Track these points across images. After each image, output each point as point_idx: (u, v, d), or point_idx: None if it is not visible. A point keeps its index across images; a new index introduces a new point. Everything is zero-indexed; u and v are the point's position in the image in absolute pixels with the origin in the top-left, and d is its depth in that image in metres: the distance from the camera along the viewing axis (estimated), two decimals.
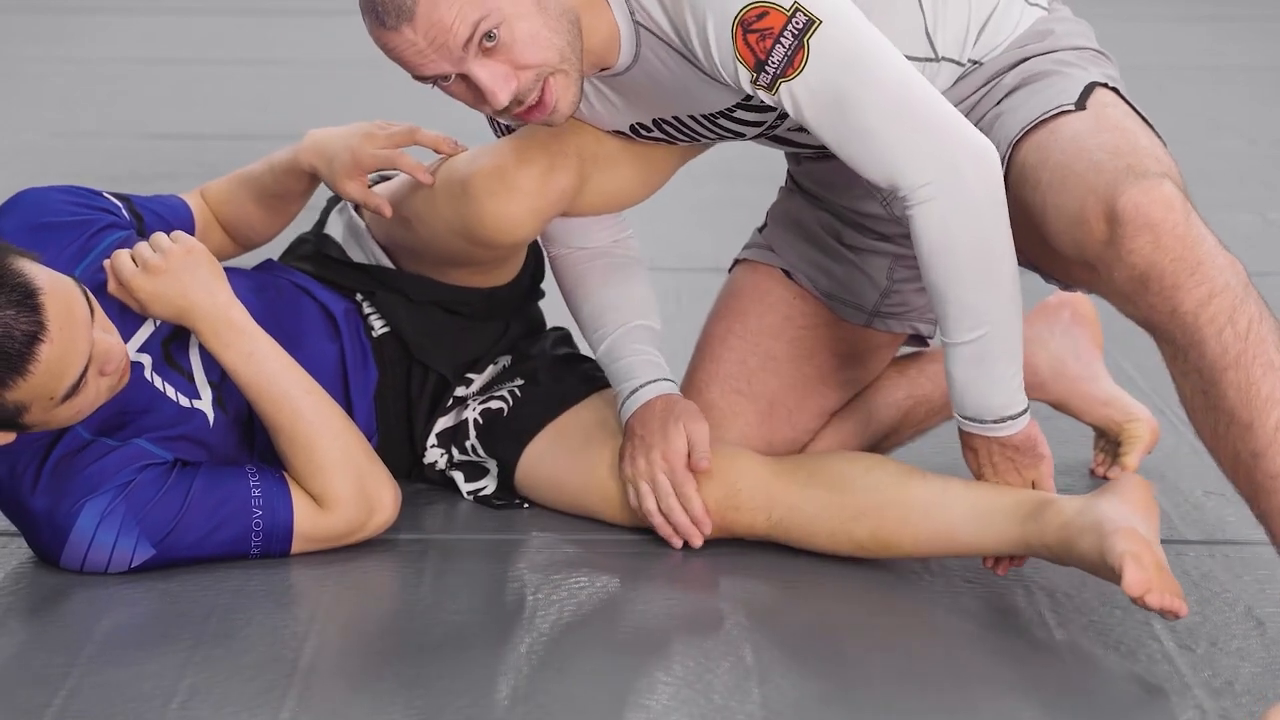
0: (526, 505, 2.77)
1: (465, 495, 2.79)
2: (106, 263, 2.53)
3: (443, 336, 2.81)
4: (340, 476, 2.55)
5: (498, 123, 2.68)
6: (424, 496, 2.80)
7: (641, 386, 2.63)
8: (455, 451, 2.80)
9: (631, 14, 2.39)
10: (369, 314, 2.80)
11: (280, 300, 2.73)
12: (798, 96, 2.34)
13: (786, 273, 2.79)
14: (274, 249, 2.90)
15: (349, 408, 2.71)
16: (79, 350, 2.34)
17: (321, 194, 2.83)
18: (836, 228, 2.78)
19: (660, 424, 2.59)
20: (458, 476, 2.80)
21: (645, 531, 2.64)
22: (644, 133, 2.58)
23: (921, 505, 2.51)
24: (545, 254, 2.79)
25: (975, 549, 2.49)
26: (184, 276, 2.52)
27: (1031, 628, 2.39)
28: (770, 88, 2.35)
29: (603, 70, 2.45)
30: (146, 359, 2.56)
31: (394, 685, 2.22)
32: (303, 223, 2.89)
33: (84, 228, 2.60)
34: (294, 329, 2.68)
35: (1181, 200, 2.21)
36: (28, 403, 2.34)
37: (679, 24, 2.36)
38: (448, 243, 2.65)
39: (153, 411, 2.54)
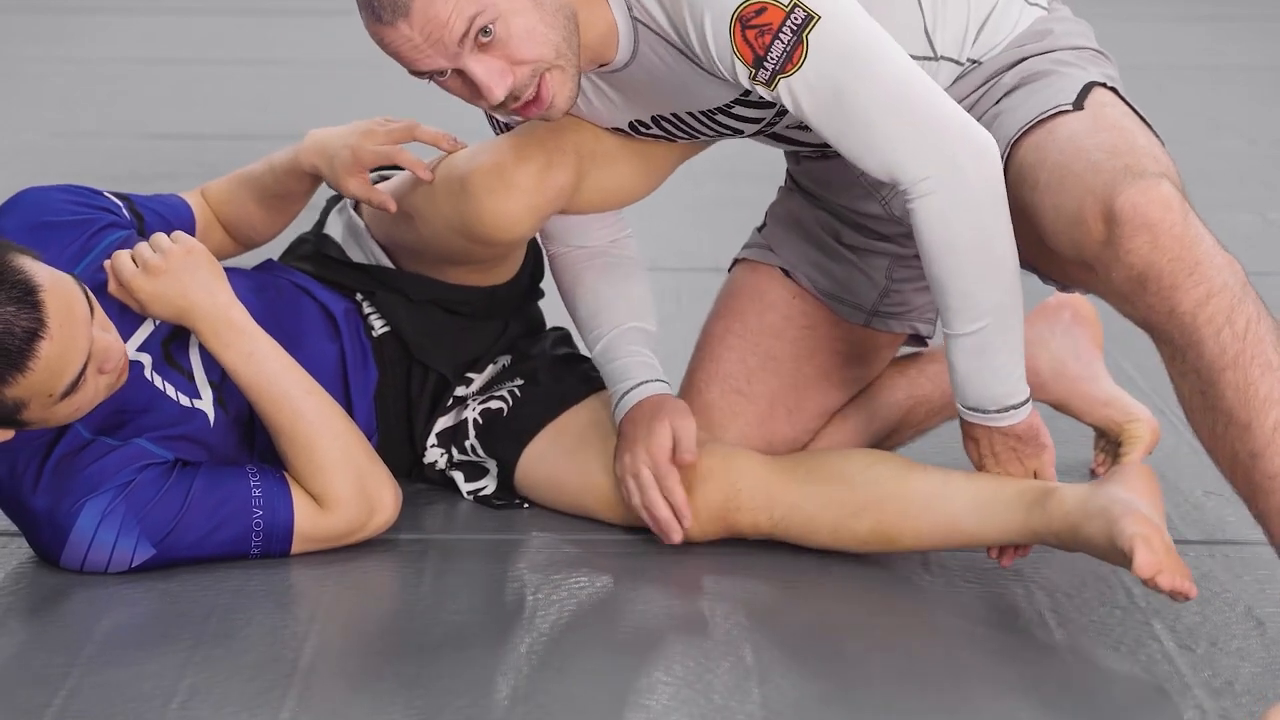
0: (526, 505, 2.77)
1: (465, 495, 2.80)
2: (107, 263, 2.53)
3: (443, 336, 2.81)
4: (341, 476, 2.55)
5: (496, 119, 2.68)
6: (424, 496, 2.80)
7: (634, 388, 2.63)
8: (455, 451, 2.80)
9: (629, 10, 2.39)
10: (369, 314, 2.80)
11: (280, 300, 2.73)
12: (796, 92, 2.34)
13: (786, 272, 2.79)
14: (274, 249, 2.90)
15: (349, 408, 2.71)
16: (78, 348, 2.34)
17: (322, 194, 2.83)
18: (836, 227, 2.78)
19: (647, 421, 2.59)
20: (458, 476, 2.80)
21: (645, 531, 2.64)
22: (643, 130, 2.58)
23: (923, 498, 2.51)
24: (544, 252, 2.79)
25: (979, 539, 2.50)
26: (184, 277, 2.52)
27: (1031, 628, 2.39)
28: (769, 83, 2.35)
29: (601, 66, 2.45)
30: (146, 358, 2.56)
31: (394, 685, 2.22)
32: (303, 223, 2.89)
33: (84, 227, 2.60)
34: (294, 329, 2.68)
35: (1179, 200, 2.21)
36: (27, 399, 2.34)
37: (677, 20, 2.36)
38: (447, 240, 2.66)
39: (153, 411, 2.55)
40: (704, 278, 3.51)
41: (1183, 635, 2.36)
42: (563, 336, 2.91)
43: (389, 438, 2.77)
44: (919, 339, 2.85)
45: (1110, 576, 2.52)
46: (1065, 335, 2.91)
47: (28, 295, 2.29)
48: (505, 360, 2.85)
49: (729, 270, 2.88)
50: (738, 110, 2.48)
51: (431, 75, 2.34)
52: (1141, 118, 2.44)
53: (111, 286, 2.53)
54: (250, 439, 2.64)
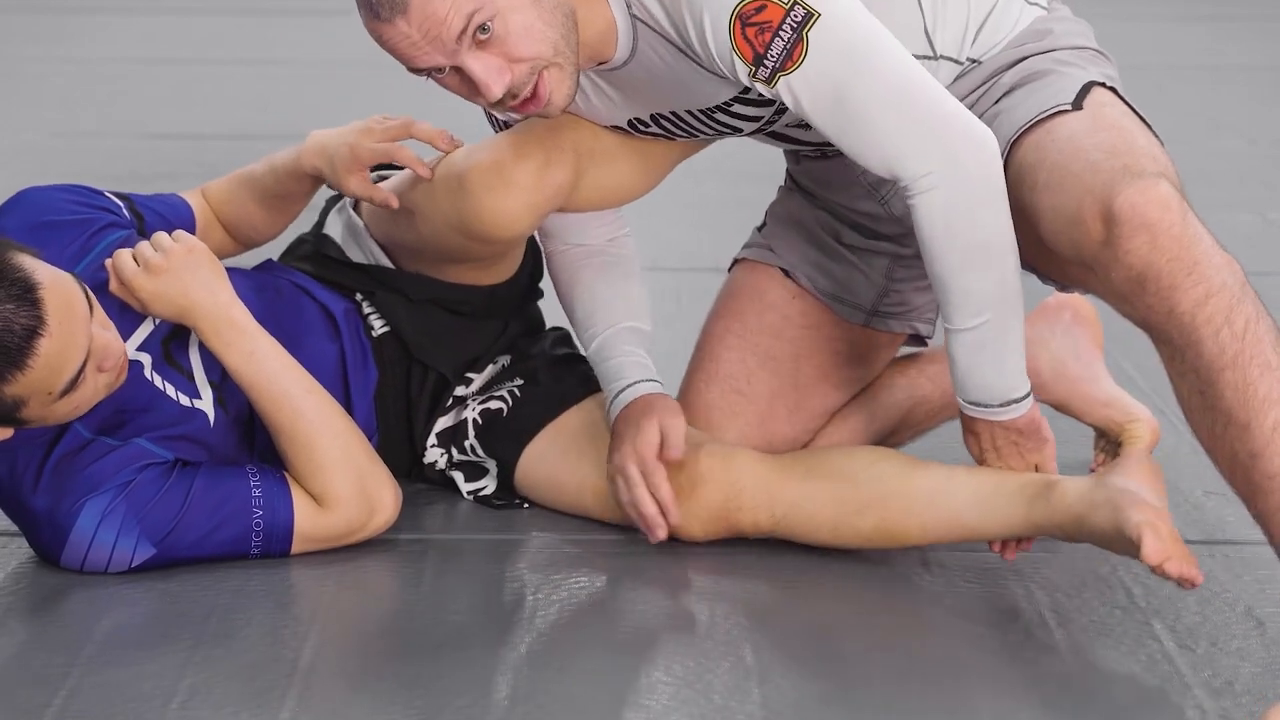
0: (526, 505, 2.77)
1: (465, 495, 2.80)
2: (108, 262, 2.53)
3: (442, 336, 2.81)
4: (341, 476, 2.55)
5: (495, 117, 2.68)
6: (424, 496, 2.80)
7: (627, 387, 2.63)
8: (455, 451, 2.80)
9: (628, 8, 2.39)
10: (369, 313, 2.80)
11: (280, 300, 2.73)
12: (796, 90, 2.35)
13: (786, 272, 2.79)
14: (273, 249, 2.90)
15: (349, 407, 2.71)
16: (78, 345, 2.34)
17: (322, 194, 2.83)
18: (835, 227, 2.78)
19: (636, 420, 2.59)
20: (458, 476, 2.80)
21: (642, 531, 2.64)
22: (641, 128, 2.58)
23: (925, 493, 2.51)
24: (542, 250, 2.79)
25: (982, 533, 2.50)
26: (185, 276, 2.53)
27: (1031, 628, 2.39)
28: (769, 81, 2.35)
29: (600, 64, 2.46)
30: (146, 358, 2.56)
31: (394, 685, 2.22)
32: (303, 223, 2.89)
33: (85, 226, 2.60)
34: (294, 329, 2.68)
35: (1178, 200, 2.21)
36: (26, 397, 2.35)
37: (676, 18, 2.36)
38: (445, 238, 2.66)
39: (153, 410, 2.55)
40: (704, 278, 3.51)
41: (1183, 635, 2.36)
42: (562, 336, 2.91)
43: (389, 437, 2.77)
44: (918, 339, 2.85)
45: (1110, 576, 2.53)
46: (1065, 335, 2.91)
47: (27, 293, 2.30)
48: (505, 360, 2.85)
49: (729, 270, 2.88)
50: (737, 108, 2.48)
51: (429, 73, 2.34)
52: (1141, 118, 2.44)
53: (113, 285, 2.53)
54: (250, 439, 2.64)
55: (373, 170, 2.70)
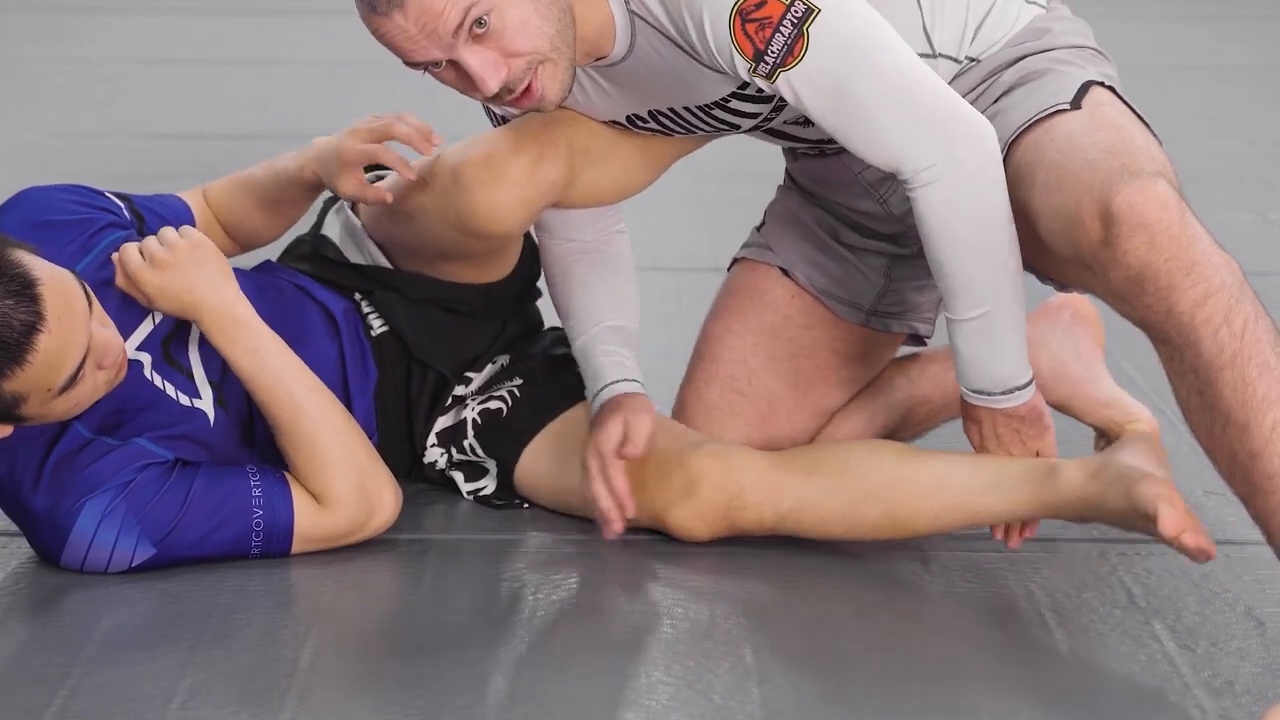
0: (526, 505, 2.77)
1: (465, 495, 2.80)
2: (115, 255, 2.54)
3: (441, 335, 2.81)
4: (341, 474, 2.55)
5: (494, 112, 2.68)
6: (424, 496, 2.80)
7: (603, 389, 2.64)
8: (454, 451, 2.80)
9: (626, 4, 2.39)
10: (368, 313, 2.80)
11: (282, 300, 2.73)
12: (797, 85, 2.35)
13: (785, 271, 2.79)
14: (272, 250, 2.90)
15: (349, 407, 2.70)
16: (77, 341, 2.34)
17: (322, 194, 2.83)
18: (834, 226, 2.78)
19: (603, 418, 2.60)
20: (458, 476, 2.80)
21: (644, 531, 2.64)
22: (639, 124, 2.58)
23: (931, 479, 2.52)
24: (537, 242, 2.79)
25: (990, 516, 2.51)
26: (190, 271, 2.53)
27: (1031, 628, 2.39)
28: (769, 77, 2.35)
29: (598, 60, 2.46)
30: (146, 357, 2.56)
31: (394, 685, 2.22)
32: (302, 224, 2.89)
33: (85, 226, 2.60)
34: (296, 329, 2.68)
35: (1176, 199, 2.21)
36: (25, 394, 2.35)
37: (675, 14, 2.36)
38: (441, 234, 2.66)
39: (153, 410, 2.55)
40: (704, 278, 3.51)
41: (1183, 635, 2.36)
42: (561, 336, 2.90)
43: (389, 437, 2.77)
44: (918, 339, 2.85)
45: (1110, 576, 2.53)
46: (1066, 335, 2.90)
47: (26, 289, 2.30)
48: (504, 360, 2.85)
49: (728, 270, 2.88)
50: (735, 105, 2.48)
51: (426, 66, 2.34)
52: (1139, 117, 2.44)
53: (119, 279, 2.53)
54: (250, 439, 2.64)
55: (371, 170, 2.70)
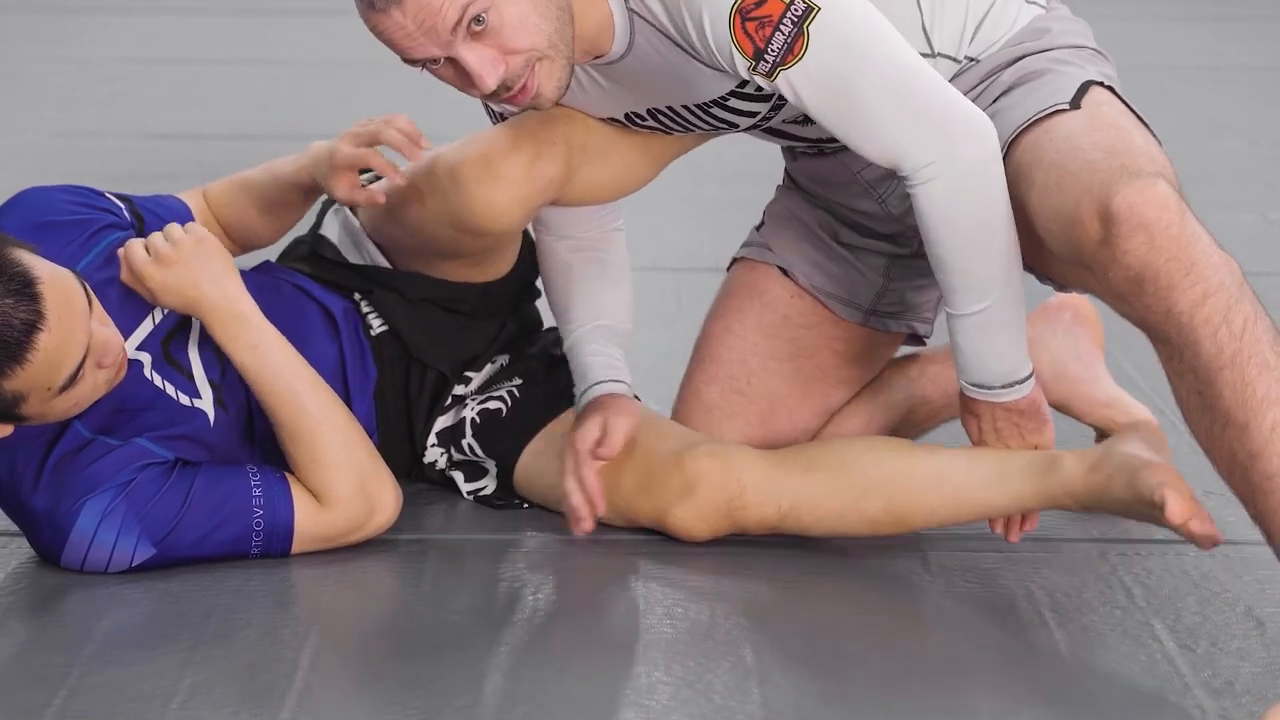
0: (526, 505, 2.78)
1: (465, 495, 2.80)
2: (120, 251, 2.54)
3: (440, 334, 2.81)
4: (342, 473, 2.55)
5: (493, 109, 2.69)
6: (424, 496, 2.80)
7: (589, 388, 2.65)
8: (454, 451, 2.80)
9: (625, 2, 2.39)
10: (367, 313, 2.80)
11: (283, 301, 2.73)
12: (797, 84, 2.36)
13: (784, 271, 2.80)
14: (271, 250, 2.90)
15: (349, 407, 2.70)
16: (77, 340, 2.34)
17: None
18: (833, 226, 2.78)
19: (583, 417, 2.60)
20: (457, 476, 2.80)
21: (645, 531, 2.64)
22: (638, 122, 2.58)
23: (931, 473, 2.53)
24: (534, 238, 2.79)
25: (991, 510, 2.52)
26: (195, 267, 2.53)
27: (1031, 628, 2.39)
28: (769, 75, 2.36)
29: (596, 58, 2.46)
30: (146, 357, 2.57)
31: (394, 685, 2.22)
32: (304, 225, 2.89)
33: (84, 227, 2.60)
34: (298, 329, 2.69)
35: (1176, 200, 2.21)
36: (25, 393, 2.35)
37: (674, 12, 2.36)
38: (439, 232, 2.66)
39: (153, 409, 2.55)
40: (704, 278, 3.51)
41: (1183, 635, 2.36)
42: (560, 337, 2.91)
43: (389, 436, 2.77)
44: (917, 339, 2.85)
45: (1110, 576, 2.53)
46: (1066, 336, 2.91)
47: (26, 288, 2.30)
48: (503, 359, 2.85)
49: (727, 269, 2.88)
50: (734, 103, 2.48)
51: (424, 64, 2.35)
52: (1138, 117, 2.44)
53: (124, 274, 2.54)
54: (250, 439, 2.64)
55: (366, 171, 2.71)
